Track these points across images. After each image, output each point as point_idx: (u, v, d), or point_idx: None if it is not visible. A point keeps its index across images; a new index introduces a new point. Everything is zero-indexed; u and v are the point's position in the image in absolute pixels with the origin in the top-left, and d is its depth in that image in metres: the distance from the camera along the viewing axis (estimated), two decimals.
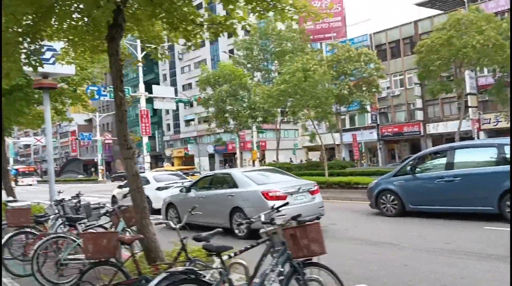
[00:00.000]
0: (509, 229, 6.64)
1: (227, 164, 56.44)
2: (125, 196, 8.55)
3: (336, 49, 25.41)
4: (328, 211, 9.20)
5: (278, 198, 7.66)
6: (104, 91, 18.96)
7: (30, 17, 4.59)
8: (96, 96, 17.59)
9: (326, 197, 10.20)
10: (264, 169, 10.82)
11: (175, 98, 26.86)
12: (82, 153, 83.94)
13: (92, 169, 75.78)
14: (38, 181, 52.87)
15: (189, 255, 4.33)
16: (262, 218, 3.86)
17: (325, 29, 35.73)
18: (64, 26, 5.04)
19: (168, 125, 66.90)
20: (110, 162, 71.95)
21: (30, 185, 49.57)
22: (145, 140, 25.70)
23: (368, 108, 30.94)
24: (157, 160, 69.41)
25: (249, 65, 28.64)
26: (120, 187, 15.03)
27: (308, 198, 8.25)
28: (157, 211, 11.67)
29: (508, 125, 23.95)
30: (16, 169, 51.28)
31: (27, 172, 53.87)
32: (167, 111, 65.71)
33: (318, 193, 8.69)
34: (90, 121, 75.98)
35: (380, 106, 40.06)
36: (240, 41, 28.52)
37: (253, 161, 40.21)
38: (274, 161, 43.46)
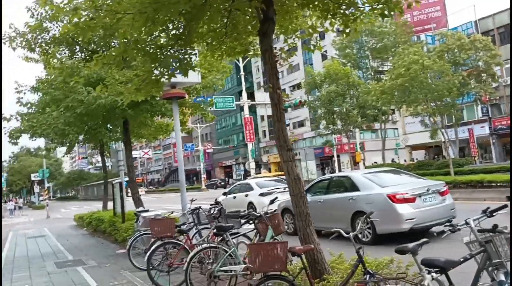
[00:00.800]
0: None
1: (328, 168, 55.15)
2: (271, 201, 8.23)
3: (445, 38, 23.10)
4: (462, 213, 7.93)
5: (406, 200, 7.23)
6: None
7: (181, 19, 4.52)
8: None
9: (454, 198, 8.92)
10: (384, 170, 10.14)
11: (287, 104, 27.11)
12: (184, 163, 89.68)
13: (194, 178, 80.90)
14: (145, 191, 57.55)
15: (368, 269, 3.74)
16: (472, 224, 3.11)
17: (423, 21, 33.05)
18: (204, 28, 4.95)
19: (264, 131, 68.12)
20: (210, 171, 75.70)
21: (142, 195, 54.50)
22: (250, 146, 26.22)
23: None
24: (256, 166, 71.33)
25: (348, 64, 27.62)
26: (225, 194, 15.35)
27: (438, 199, 7.63)
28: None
29: None
30: (127, 181, 57.01)
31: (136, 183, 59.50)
32: (262, 118, 67.15)
33: (448, 194, 8.02)
34: (189, 133, 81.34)
35: (491, 97, 35.49)
36: (339, 40, 27.64)
37: (357, 163, 38.49)
38: (375, 163, 41.18)
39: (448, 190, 8.08)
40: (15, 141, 9.36)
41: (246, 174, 65.03)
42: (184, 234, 6.62)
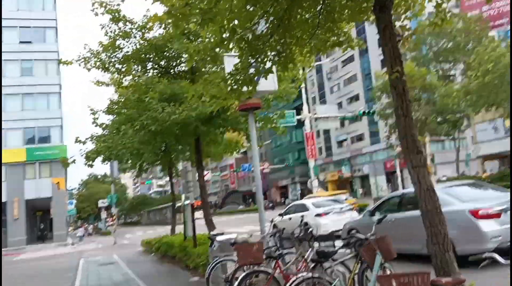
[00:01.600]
0: None
1: (389, 184, 51.90)
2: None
3: None
4: None
5: (490, 216, 6.52)
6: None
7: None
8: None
9: None
10: (462, 184, 8.92)
11: (339, 116, 25.65)
12: (239, 184, 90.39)
13: (249, 200, 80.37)
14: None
15: None
16: None
17: (493, 16, 30.21)
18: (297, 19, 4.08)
19: (320, 148, 66.22)
20: (266, 192, 74.55)
21: (199, 218, 54.49)
22: (312, 163, 24.95)
23: None
24: (305, 186, 69.33)
25: (416, 68, 25.68)
26: (281, 215, 14.74)
27: None
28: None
29: None
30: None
31: (196, 206, 59.79)
32: (318, 134, 65.59)
33: None
34: (245, 153, 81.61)
35: None
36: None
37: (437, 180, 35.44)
38: (444, 176, 37.71)
39: None
40: (91, 163, 9.06)
41: (303, 192, 63.38)
42: (273, 261, 5.63)
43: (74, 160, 8.80)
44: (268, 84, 7.28)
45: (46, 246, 32.54)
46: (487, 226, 6.50)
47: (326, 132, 64.73)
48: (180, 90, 9.06)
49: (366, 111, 25.06)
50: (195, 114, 8.17)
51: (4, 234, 35.40)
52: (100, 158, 9.58)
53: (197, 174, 13.24)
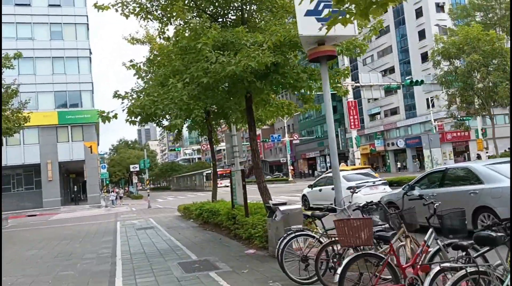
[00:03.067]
0: None
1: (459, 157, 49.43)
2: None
3: None
4: None
5: None
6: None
7: None
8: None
9: None
10: (506, 161, 8.26)
11: (384, 85, 23.73)
12: (266, 155, 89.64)
13: (276, 170, 79.68)
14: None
15: None
16: None
17: None
18: None
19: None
20: (293, 163, 73.32)
21: (227, 186, 54.35)
22: (354, 133, 23.39)
23: None
24: (339, 158, 67.55)
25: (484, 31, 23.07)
26: (310, 186, 14.72)
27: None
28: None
29: None
30: (217, 172, 57.37)
31: (224, 174, 59.40)
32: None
33: None
34: (272, 125, 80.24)
35: None
36: (458, 7, 23.26)
37: (461, 154, 33.21)
38: (507, 150, 34.90)
39: None
40: (133, 119, 7.99)
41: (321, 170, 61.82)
42: (385, 244, 4.41)
43: (116, 114, 7.74)
44: (347, 28, 5.80)
45: (80, 207, 32.97)
46: None
47: (358, 104, 62.15)
48: (234, 38, 7.76)
49: (414, 80, 22.95)
50: (254, 64, 6.86)
51: (39, 195, 36.16)
52: (137, 119, 8.54)
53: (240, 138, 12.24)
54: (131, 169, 40.38)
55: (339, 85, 9.37)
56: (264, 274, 6.16)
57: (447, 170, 8.57)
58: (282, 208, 7.16)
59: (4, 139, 35.32)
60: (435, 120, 46.37)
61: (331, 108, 6.76)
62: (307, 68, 8.49)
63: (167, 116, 8.06)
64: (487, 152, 31.01)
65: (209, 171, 54.57)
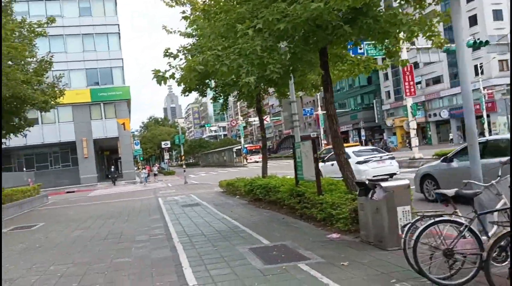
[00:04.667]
0: None
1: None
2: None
3: None
4: None
5: None
6: None
7: None
8: None
9: None
10: None
11: (444, 47, 21.27)
12: (294, 130, 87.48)
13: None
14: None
15: None
16: None
17: None
18: None
19: (388, 92, 60.85)
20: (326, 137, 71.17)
21: (257, 162, 53.24)
22: (410, 101, 21.37)
23: None
24: (374, 131, 65.11)
25: None
26: (323, 161, 15.07)
27: None
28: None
29: None
30: (246, 148, 56.20)
31: (254, 150, 58.51)
32: (386, 77, 59.93)
33: None
34: (300, 98, 77.96)
35: None
36: None
37: None
38: None
39: None
40: (189, 84, 6.63)
41: (368, 138, 59.17)
42: None
43: (173, 74, 6.43)
44: None
45: (116, 183, 32.79)
46: None
47: (396, 73, 58.83)
48: None
49: (478, 41, 20.38)
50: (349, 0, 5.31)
51: (76, 172, 36.29)
52: (193, 83, 7.19)
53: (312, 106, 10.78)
54: (163, 146, 39.90)
55: (435, 33, 7.59)
56: (374, 269, 4.82)
57: (487, 142, 8.58)
58: (385, 184, 5.73)
59: (39, 117, 35.42)
60: (484, 88, 43.11)
61: (465, 50, 5.17)
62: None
63: (232, 75, 6.61)
64: None
65: (239, 147, 53.80)
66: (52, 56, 15.73)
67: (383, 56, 9.16)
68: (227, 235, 7.54)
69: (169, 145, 39.98)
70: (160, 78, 6.31)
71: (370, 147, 17.35)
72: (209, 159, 69.23)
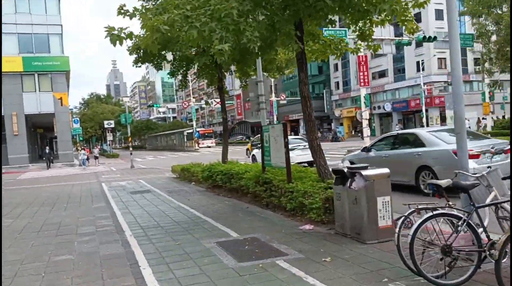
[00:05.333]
0: None
1: (398, 125, 49.01)
2: None
3: None
4: None
5: (471, 157, 6.89)
6: None
7: None
8: None
9: None
10: (450, 129, 9.51)
11: (396, 40, 21.67)
12: (246, 115, 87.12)
13: (257, 134, 77.68)
14: (216, 143, 55.16)
15: None
16: None
17: None
18: None
19: (337, 83, 62.15)
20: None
21: (209, 147, 52.06)
22: (364, 92, 21.49)
23: None
24: (322, 121, 66.43)
25: None
26: (257, 147, 16.77)
27: (502, 157, 7.74)
28: None
29: None
30: (198, 132, 54.46)
31: (206, 134, 56.84)
32: (336, 68, 61.04)
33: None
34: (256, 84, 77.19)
35: None
36: None
37: (478, 120, 32.19)
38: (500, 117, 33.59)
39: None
40: (155, 40, 5.55)
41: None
42: None
43: (131, 33, 5.37)
44: None
45: (51, 165, 29.97)
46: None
47: (345, 65, 60.18)
48: None
49: (427, 36, 21.01)
50: None
51: (4, 151, 32.67)
52: (152, 49, 6.09)
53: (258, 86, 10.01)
54: (106, 126, 37.24)
55: (409, 18, 7.21)
56: (360, 266, 4.32)
57: (398, 135, 10.01)
58: (365, 172, 5.24)
59: None
60: (424, 83, 45.42)
61: (458, 37, 4.71)
62: None
63: (200, 42, 5.66)
64: (492, 118, 30.12)
65: (191, 131, 51.87)
66: None
67: (355, 39, 8.70)
68: (188, 227, 6.70)
69: (112, 125, 37.36)
70: (115, 37, 5.24)
71: (297, 137, 21.40)
72: (157, 142, 66.46)
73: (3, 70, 31.32)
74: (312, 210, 6.33)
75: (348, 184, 5.49)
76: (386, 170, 5.44)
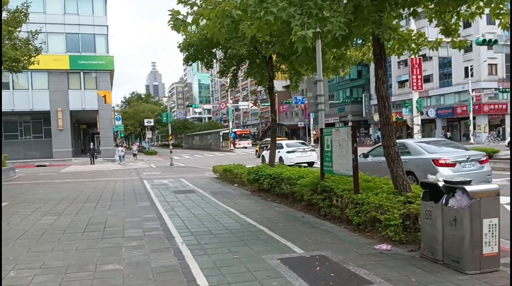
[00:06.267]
0: None
1: (445, 133, 46.19)
2: None
3: None
4: None
5: (447, 165, 8.92)
6: None
7: None
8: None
9: None
10: (435, 141, 11.86)
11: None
12: (281, 118, 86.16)
13: (292, 135, 76.55)
14: (252, 144, 54.49)
15: None
16: None
17: None
18: None
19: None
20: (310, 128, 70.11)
21: (245, 147, 51.50)
22: (416, 96, 20.16)
23: None
24: (360, 126, 64.35)
25: None
26: (262, 148, 17.91)
27: (476, 166, 9.12)
28: None
29: None
30: (234, 132, 53.98)
31: (243, 135, 56.14)
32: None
33: (487, 163, 9.65)
34: (287, 87, 76.26)
35: None
36: None
37: (496, 128, 29.63)
38: None
39: (488, 160, 9.76)
40: (223, 26, 4.90)
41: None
42: None
43: (198, 17, 4.74)
44: None
45: (94, 161, 30.50)
46: (444, 172, 8.72)
47: (387, 68, 57.84)
48: None
49: (487, 39, 19.40)
50: None
51: (49, 145, 33.71)
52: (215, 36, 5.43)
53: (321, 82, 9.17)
54: (146, 124, 37.64)
55: (505, 11, 6.16)
56: None
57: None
58: (470, 188, 4.31)
59: (10, 81, 32.43)
60: (473, 90, 42.73)
61: None
62: None
63: (271, 29, 4.95)
64: None
65: (227, 131, 51.62)
66: (28, 6, 13.42)
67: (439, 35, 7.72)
68: (243, 237, 6.01)
69: (152, 123, 37.74)
70: (179, 22, 4.63)
71: (298, 141, 24.41)
72: (193, 141, 66.93)
73: (51, 67, 32.43)
74: (388, 227, 5.44)
75: (443, 201, 4.58)
76: (495, 186, 4.50)
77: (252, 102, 51.32)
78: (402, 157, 9.38)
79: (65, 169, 23.94)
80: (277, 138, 19.42)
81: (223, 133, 50.73)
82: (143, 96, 65.60)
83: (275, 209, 8.41)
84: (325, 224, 6.83)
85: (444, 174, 8.29)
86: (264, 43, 8.98)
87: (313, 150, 19.98)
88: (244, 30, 5.85)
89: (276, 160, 25.46)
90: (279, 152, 22.66)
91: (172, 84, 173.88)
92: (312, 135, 48.72)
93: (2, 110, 31.92)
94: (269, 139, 27.43)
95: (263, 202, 9.39)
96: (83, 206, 9.20)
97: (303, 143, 21.55)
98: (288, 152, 19.45)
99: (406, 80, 55.83)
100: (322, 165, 7.59)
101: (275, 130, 12.24)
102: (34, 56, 13.76)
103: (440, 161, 8.98)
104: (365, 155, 11.18)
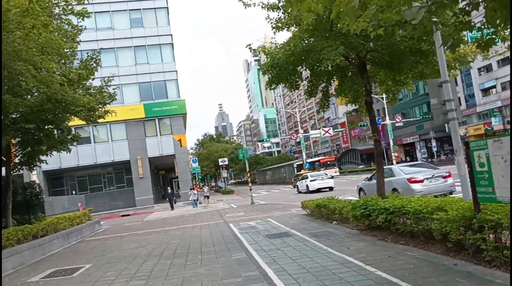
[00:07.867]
0: None
1: None
2: None
3: None
4: None
5: (417, 181, 12.89)
6: None
7: None
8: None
9: None
10: (414, 164, 16.77)
11: None
12: (353, 143, 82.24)
13: (367, 159, 72.06)
14: (339, 172, 50.07)
15: None
16: None
17: None
18: None
19: (458, 99, 54.46)
20: (387, 150, 65.60)
21: (332, 177, 48.20)
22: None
23: None
24: (442, 142, 58.48)
25: None
26: (368, 179, 15.76)
27: (440, 181, 12.96)
28: None
29: None
30: (308, 162, 51.33)
31: (328, 163, 52.02)
32: (456, 82, 53.73)
33: (450, 177, 13.11)
34: (356, 111, 72.66)
35: None
36: None
37: None
38: None
39: (451, 175, 13.11)
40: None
41: (440, 150, 52.19)
42: None
43: (296, 17, 3.55)
44: None
45: (174, 206, 30.49)
46: (415, 187, 12.71)
47: (467, 77, 52.67)
48: None
49: None
50: None
51: (131, 194, 34.70)
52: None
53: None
54: (220, 163, 37.39)
55: None
56: None
57: (385, 169, 12.87)
58: None
59: (91, 136, 34.42)
60: None
61: None
62: None
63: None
64: None
65: (300, 162, 49.41)
66: (99, 53, 13.37)
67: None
68: None
69: (226, 162, 37.43)
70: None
71: (418, 163, 23.95)
72: (266, 176, 65.97)
73: (127, 117, 33.94)
74: None
75: None
76: None
77: (323, 129, 49.16)
78: (390, 178, 13.15)
79: (148, 216, 23.87)
80: (351, 166, 18.63)
81: (297, 165, 48.68)
82: (214, 136, 66.91)
83: (407, 254, 6.45)
84: (495, 274, 4.80)
85: (415, 189, 12.38)
86: (360, 47, 7.44)
87: (331, 178, 26.81)
88: (349, 26, 4.40)
89: (304, 188, 26.81)
90: (305, 181, 27.05)
91: (240, 122, 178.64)
92: (394, 157, 44.64)
93: (86, 164, 33.85)
94: (300, 172, 31.96)
95: (382, 244, 7.46)
96: (171, 263, 8.03)
97: (324, 173, 28.49)
98: (311, 180, 26.16)
99: (493, 86, 50.08)
100: (474, 191, 5.57)
101: (381, 153, 10.33)
102: (109, 103, 13.54)
103: (412, 179, 12.96)
104: (369, 179, 14.54)
